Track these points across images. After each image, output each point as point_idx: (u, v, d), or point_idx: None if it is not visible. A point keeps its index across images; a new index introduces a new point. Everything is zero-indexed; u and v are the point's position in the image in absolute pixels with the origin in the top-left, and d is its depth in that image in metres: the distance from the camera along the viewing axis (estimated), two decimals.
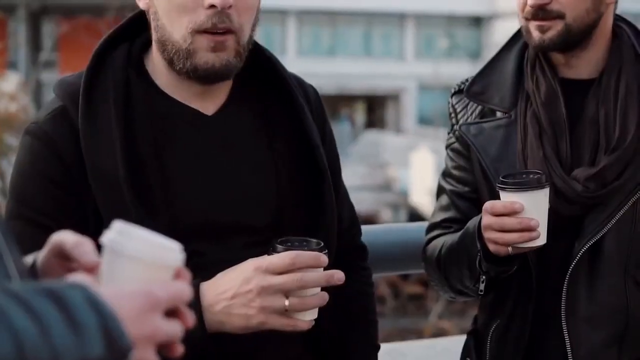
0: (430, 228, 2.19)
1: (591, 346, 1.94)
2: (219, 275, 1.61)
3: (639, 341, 1.97)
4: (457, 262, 2.03)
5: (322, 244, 1.61)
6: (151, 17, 1.74)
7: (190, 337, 1.52)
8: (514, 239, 1.82)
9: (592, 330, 1.94)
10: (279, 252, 1.58)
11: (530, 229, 1.81)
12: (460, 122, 2.11)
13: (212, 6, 1.65)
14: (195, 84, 1.74)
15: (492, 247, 1.87)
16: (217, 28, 1.66)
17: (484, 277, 1.95)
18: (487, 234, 1.86)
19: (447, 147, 2.19)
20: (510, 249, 1.84)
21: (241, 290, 1.57)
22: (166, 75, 1.76)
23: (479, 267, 1.94)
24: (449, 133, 2.19)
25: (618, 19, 2.07)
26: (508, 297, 2.04)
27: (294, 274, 1.55)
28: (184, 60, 1.69)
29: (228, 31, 1.67)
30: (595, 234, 1.92)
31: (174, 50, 1.70)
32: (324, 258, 1.57)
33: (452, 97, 2.17)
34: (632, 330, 1.96)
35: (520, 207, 1.81)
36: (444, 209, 2.15)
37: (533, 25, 1.95)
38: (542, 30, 1.94)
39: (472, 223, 1.97)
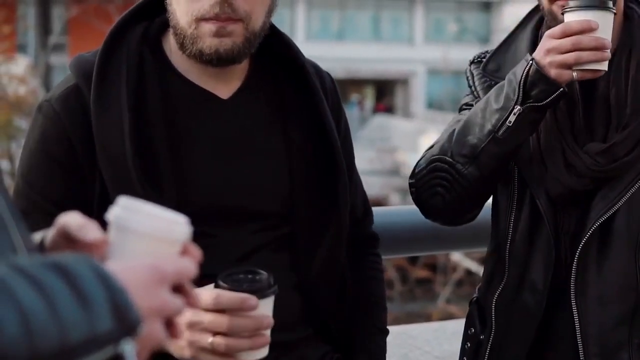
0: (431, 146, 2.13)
1: (601, 325, 1.93)
2: None
3: None
4: (481, 114, 1.93)
5: (272, 281, 1.49)
6: (166, 2, 1.76)
7: None
8: (588, 57, 1.78)
9: (602, 308, 1.93)
10: (220, 286, 1.48)
11: (604, 47, 1.78)
12: (478, 88, 2.09)
13: None
14: (207, 66, 1.74)
15: (554, 72, 1.82)
16: (220, 18, 1.67)
17: (519, 107, 1.86)
18: (552, 58, 1.82)
19: (465, 103, 2.15)
20: (575, 73, 1.81)
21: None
22: (181, 56, 1.77)
23: (520, 88, 1.85)
24: (467, 95, 2.16)
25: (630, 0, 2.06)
26: (512, 265, 2.01)
27: (221, 316, 1.45)
28: (190, 45, 1.71)
29: (231, 19, 1.68)
30: (606, 211, 1.91)
31: (182, 35, 1.72)
32: (252, 302, 1.45)
33: (470, 65, 2.15)
34: None
35: (596, 25, 1.78)
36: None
37: (557, 7, 1.94)
38: None
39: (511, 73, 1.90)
